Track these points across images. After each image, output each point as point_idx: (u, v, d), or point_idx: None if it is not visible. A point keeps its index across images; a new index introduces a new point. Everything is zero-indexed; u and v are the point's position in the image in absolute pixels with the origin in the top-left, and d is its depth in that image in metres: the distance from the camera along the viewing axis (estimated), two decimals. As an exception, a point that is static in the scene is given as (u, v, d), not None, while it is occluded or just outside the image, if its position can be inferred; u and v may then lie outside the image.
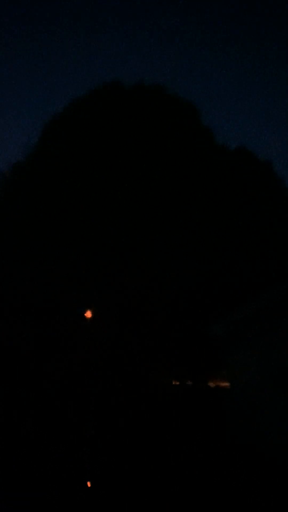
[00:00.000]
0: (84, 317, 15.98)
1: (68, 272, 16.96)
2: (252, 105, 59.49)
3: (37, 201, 19.95)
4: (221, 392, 14.55)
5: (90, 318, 16.43)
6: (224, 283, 15.52)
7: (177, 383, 17.87)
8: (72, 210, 18.99)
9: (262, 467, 9.29)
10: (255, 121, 57.00)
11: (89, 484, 8.71)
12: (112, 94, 19.38)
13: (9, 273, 18.78)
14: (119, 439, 10.66)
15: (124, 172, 19.15)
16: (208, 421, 12.53)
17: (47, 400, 13.52)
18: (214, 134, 19.73)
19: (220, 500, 7.96)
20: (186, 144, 19.32)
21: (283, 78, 65.76)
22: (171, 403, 13.84)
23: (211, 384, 17.56)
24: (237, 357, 11.33)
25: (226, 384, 15.52)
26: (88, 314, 16.44)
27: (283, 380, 10.09)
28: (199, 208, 18.06)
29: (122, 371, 15.10)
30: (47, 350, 16.01)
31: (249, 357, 10.89)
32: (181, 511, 7.64)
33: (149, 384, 15.02)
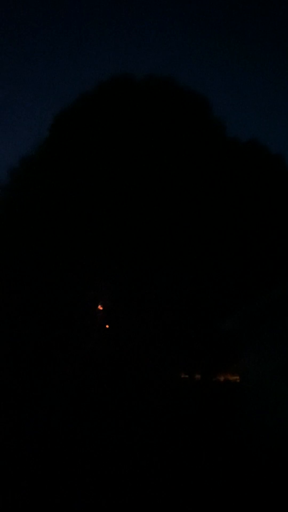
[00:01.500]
0: (94, 312, 15.96)
1: (79, 266, 16.91)
2: (264, 98, 59.03)
3: (46, 195, 19.89)
4: (231, 386, 14.47)
5: (101, 313, 16.41)
6: (235, 276, 15.41)
7: (186, 376, 17.82)
8: (81, 204, 18.92)
9: (276, 462, 9.17)
10: (267, 114, 56.57)
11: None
12: (121, 87, 19.26)
13: (18, 268, 18.77)
14: (125, 435, 10.58)
15: (134, 165, 19.05)
16: (218, 415, 12.42)
17: (58, 391, 13.48)
18: (226, 127, 19.56)
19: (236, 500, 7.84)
20: (197, 136, 19.17)
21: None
22: (180, 397, 13.75)
23: (221, 378, 17.48)
24: (249, 351, 11.21)
25: (236, 377, 15.44)
26: (100, 307, 16.40)
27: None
28: (209, 202, 17.93)
29: (130, 364, 15.04)
30: (57, 343, 15.98)
31: (261, 351, 10.76)
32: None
33: (157, 377, 14.96)
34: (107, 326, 17.09)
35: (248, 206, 17.49)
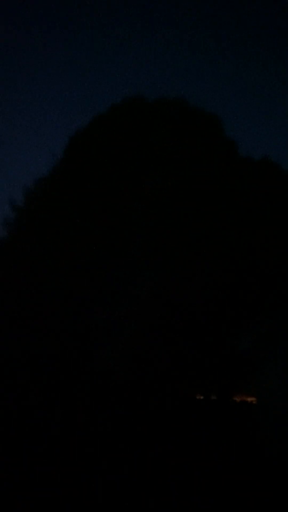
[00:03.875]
0: (107, 326, 15.90)
1: (80, 286, 16.96)
2: (276, 115, 59.18)
3: (60, 215, 20.07)
4: (248, 407, 14.25)
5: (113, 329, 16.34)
6: (250, 295, 15.30)
7: (201, 397, 17.60)
8: (96, 223, 19.04)
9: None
10: (279, 132, 56.66)
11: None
12: (134, 108, 19.48)
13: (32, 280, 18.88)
14: (139, 460, 10.44)
15: (148, 185, 19.17)
16: (236, 437, 12.22)
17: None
18: (238, 146, 19.64)
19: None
20: (210, 156, 19.26)
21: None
22: (196, 419, 13.57)
23: (237, 399, 17.23)
24: (266, 371, 11.09)
25: (252, 399, 15.24)
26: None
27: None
28: (222, 221, 17.94)
29: (143, 384, 14.91)
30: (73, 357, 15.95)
31: (278, 371, 10.63)
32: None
33: (172, 398, 14.80)
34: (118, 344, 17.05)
35: (264, 223, 17.46)
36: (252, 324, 11.47)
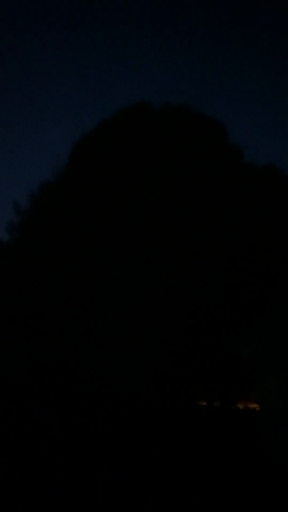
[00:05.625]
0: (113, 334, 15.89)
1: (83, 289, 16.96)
2: (282, 122, 59.25)
3: (65, 218, 20.10)
4: (251, 414, 14.16)
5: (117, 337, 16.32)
6: (252, 301, 15.29)
7: (204, 403, 17.50)
8: (100, 227, 19.06)
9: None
10: (285, 138, 56.70)
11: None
12: (138, 114, 19.53)
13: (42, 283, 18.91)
14: (144, 465, 10.39)
15: (152, 190, 19.19)
16: (240, 443, 12.15)
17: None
18: (243, 152, 19.68)
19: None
20: (214, 161, 19.27)
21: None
22: (199, 425, 13.52)
23: (240, 406, 17.13)
24: (267, 378, 11.04)
25: (255, 405, 15.12)
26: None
27: None
28: (225, 227, 17.93)
29: (146, 390, 14.87)
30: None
31: (280, 378, 10.59)
32: None
33: (174, 404, 14.73)
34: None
35: (268, 230, 17.45)
36: (254, 330, 11.43)
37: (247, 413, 15.13)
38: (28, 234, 22.01)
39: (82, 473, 9.31)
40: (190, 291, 15.41)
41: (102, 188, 19.94)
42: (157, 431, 12.37)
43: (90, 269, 18.34)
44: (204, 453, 11.19)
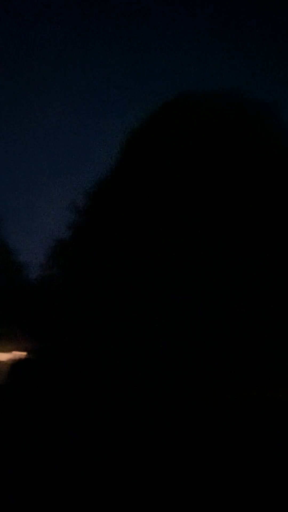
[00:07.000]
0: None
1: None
2: None
3: (119, 215, 20.12)
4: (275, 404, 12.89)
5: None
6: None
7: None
8: (153, 223, 18.85)
9: None
10: None
11: None
12: (187, 102, 18.99)
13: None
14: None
15: (204, 181, 18.62)
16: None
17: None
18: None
19: None
20: (268, 149, 18.33)
21: None
22: (226, 419, 12.54)
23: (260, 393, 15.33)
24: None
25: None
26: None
27: None
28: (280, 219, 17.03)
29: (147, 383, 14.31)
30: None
31: None
32: None
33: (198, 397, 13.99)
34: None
35: None
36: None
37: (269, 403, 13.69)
38: (88, 233, 22.33)
39: (82, 472, 9.19)
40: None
41: (155, 182, 19.73)
42: (160, 423, 11.82)
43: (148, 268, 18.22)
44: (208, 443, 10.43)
